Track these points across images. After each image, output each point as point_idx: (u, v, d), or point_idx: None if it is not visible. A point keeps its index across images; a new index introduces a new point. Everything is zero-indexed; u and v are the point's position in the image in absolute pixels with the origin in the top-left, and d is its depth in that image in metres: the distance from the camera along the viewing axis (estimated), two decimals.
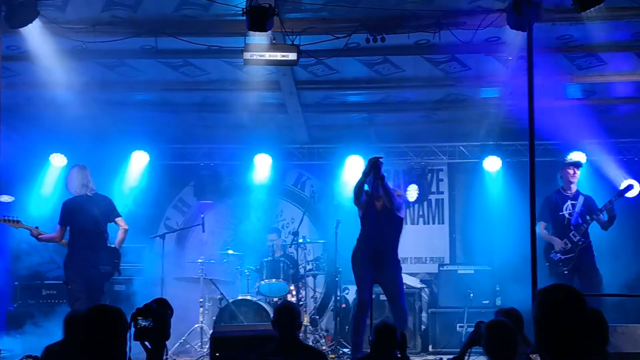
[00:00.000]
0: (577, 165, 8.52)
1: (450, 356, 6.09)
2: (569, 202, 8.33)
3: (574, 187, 8.40)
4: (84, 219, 7.51)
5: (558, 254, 8.27)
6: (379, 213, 7.01)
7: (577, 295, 2.78)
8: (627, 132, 9.89)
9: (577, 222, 8.28)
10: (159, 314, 3.29)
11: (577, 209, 8.31)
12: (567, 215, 8.35)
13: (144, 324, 3.22)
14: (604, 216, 8.27)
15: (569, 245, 8.24)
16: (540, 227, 8.19)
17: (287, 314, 4.75)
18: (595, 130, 9.77)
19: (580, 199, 8.39)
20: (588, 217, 8.31)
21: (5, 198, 9.27)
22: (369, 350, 6.37)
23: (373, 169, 6.70)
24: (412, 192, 10.32)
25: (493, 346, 4.04)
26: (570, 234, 8.25)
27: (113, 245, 7.71)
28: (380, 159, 6.75)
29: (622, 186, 8.59)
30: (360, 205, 7.06)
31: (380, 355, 4.69)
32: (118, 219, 7.76)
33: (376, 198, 7.00)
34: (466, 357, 4.52)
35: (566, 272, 8.20)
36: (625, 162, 9.87)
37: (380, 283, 7.24)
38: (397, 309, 7.09)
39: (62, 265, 7.72)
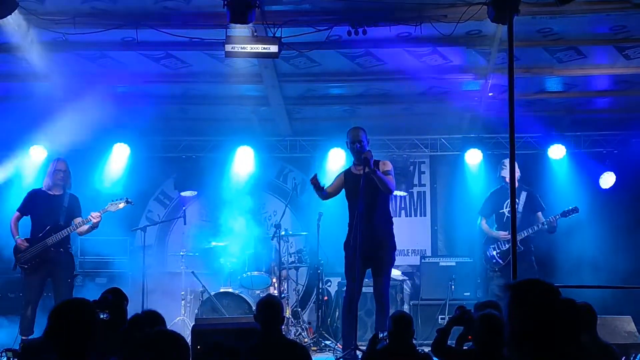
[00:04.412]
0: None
1: None
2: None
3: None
4: None
5: (494, 254, 8.34)
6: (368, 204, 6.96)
7: (553, 290, 2.65)
8: (606, 125, 9.98)
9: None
10: (115, 305, 3.28)
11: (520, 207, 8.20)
12: (506, 213, 8.32)
13: (102, 316, 3.22)
14: (547, 227, 8.24)
15: (506, 246, 8.25)
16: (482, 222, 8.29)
17: (270, 308, 4.69)
18: (574, 123, 9.89)
19: (522, 196, 8.31)
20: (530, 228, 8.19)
21: None
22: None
23: (365, 165, 6.54)
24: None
25: (488, 338, 4.13)
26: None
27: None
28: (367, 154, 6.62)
29: (568, 209, 8.21)
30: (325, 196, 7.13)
31: (398, 345, 4.69)
32: None
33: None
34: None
35: (498, 274, 8.20)
36: (604, 155, 9.98)
37: (372, 261, 6.90)
38: (380, 284, 6.86)
39: None
